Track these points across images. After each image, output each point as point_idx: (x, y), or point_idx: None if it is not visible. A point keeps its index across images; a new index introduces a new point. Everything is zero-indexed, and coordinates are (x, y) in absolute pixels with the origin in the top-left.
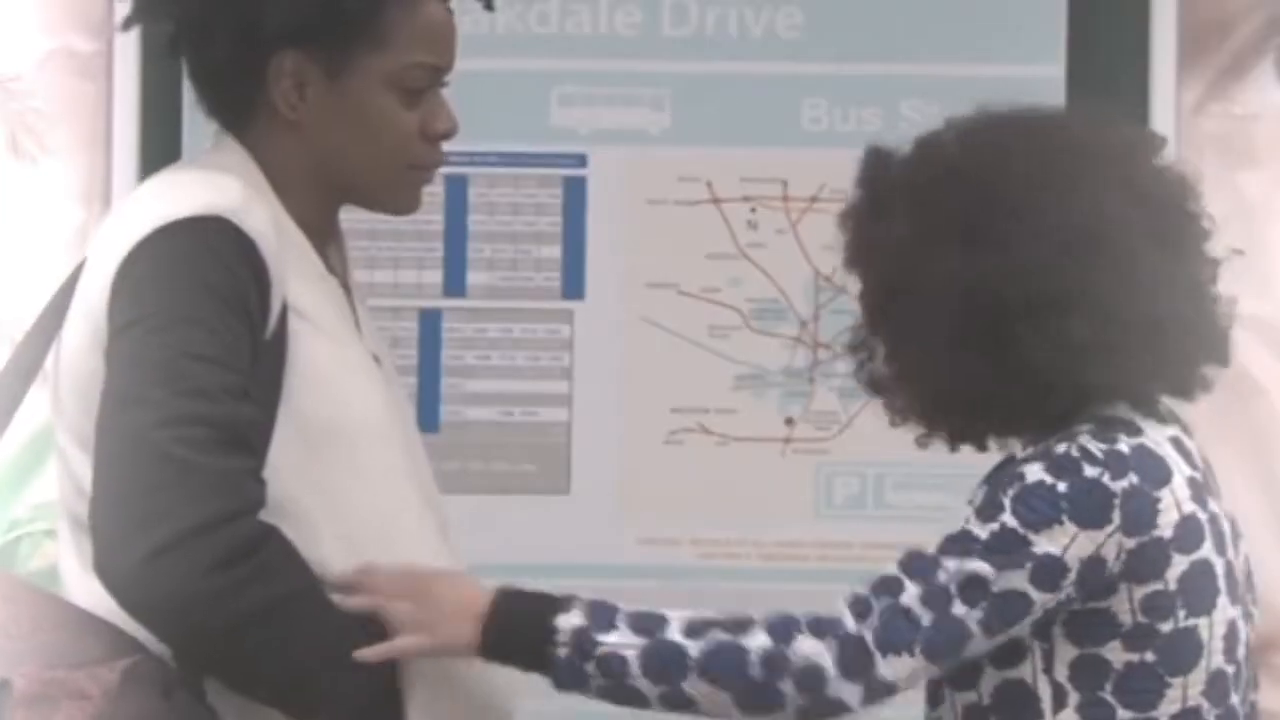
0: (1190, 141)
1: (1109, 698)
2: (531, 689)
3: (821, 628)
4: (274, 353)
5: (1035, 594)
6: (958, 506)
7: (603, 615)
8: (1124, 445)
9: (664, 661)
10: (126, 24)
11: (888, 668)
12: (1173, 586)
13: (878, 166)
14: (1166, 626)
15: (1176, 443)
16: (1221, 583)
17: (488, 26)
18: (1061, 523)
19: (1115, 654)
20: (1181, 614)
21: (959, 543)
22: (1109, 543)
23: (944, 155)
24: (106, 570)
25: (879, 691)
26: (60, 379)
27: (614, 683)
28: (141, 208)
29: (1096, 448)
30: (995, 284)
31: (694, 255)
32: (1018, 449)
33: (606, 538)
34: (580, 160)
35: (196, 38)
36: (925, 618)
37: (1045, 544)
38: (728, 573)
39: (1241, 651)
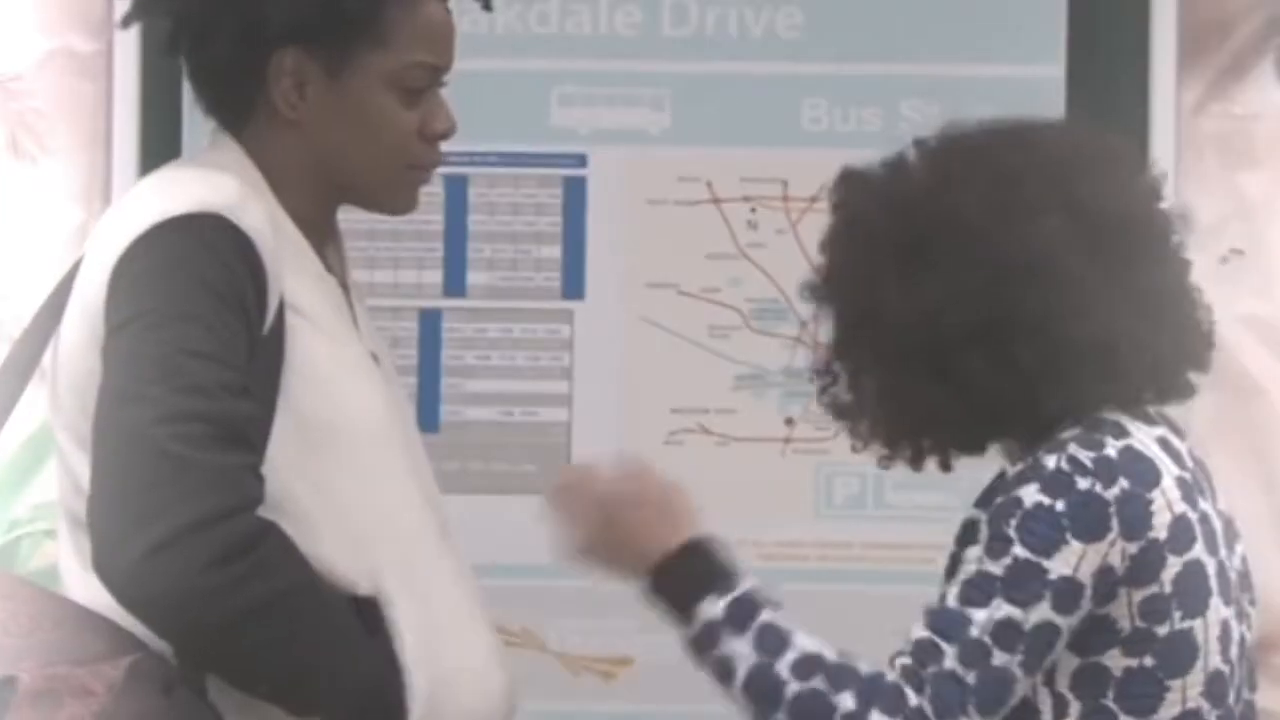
0: (1190, 141)
1: (1111, 704)
2: (531, 689)
3: (891, 704)
4: (271, 350)
5: (1060, 620)
6: (957, 506)
7: (740, 616)
8: (1111, 450)
9: (764, 689)
10: (126, 21)
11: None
12: (1168, 589)
13: (847, 190)
14: (1163, 629)
15: (1164, 443)
16: (1213, 583)
17: (487, 26)
18: (1067, 541)
19: (1115, 660)
20: (1177, 616)
21: (979, 589)
22: (1113, 551)
23: (901, 180)
24: (105, 567)
25: None
26: (58, 377)
27: (719, 678)
28: (138, 205)
29: (1085, 456)
30: (938, 312)
31: (694, 255)
32: (1006, 464)
33: None
34: (580, 160)
35: (197, 35)
36: (970, 677)
37: (1059, 567)
38: None
39: (1235, 651)
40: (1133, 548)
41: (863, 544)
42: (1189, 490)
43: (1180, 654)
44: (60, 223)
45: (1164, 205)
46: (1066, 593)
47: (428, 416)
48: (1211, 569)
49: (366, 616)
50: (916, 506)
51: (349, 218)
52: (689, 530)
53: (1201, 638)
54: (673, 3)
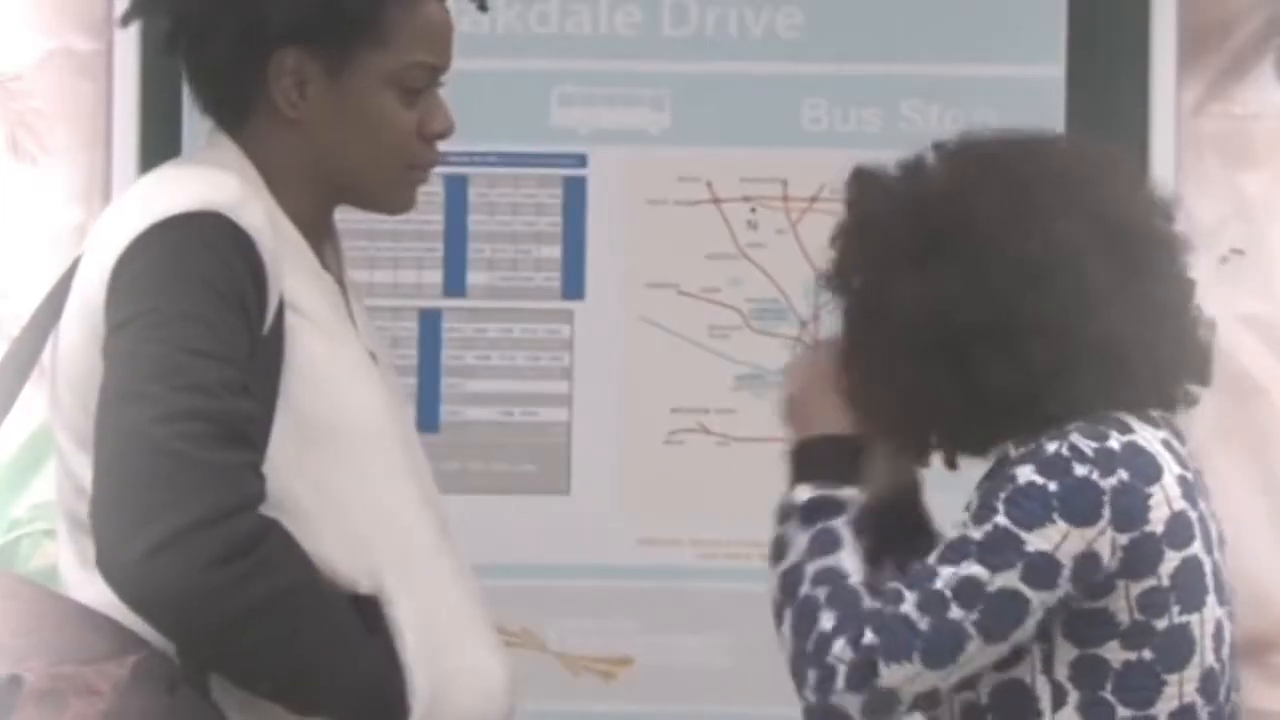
0: (1190, 141)
1: (1108, 696)
2: (531, 689)
3: (853, 635)
4: (271, 349)
5: (1030, 593)
6: (957, 507)
7: (813, 512)
8: (1114, 442)
9: (790, 582)
10: (125, 20)
11: (890, 676)
12: (1166, 582)
13: (861, 188)
14: (1162, 623)
15: (1167, 445)
16: (1210, 581)
17: (488, 26)
18: (1053, 520)
19: (1114, 653)
20: (1175, 610)
21: (955, 549)
22: (1101, 539)
23: (918, 182)
24: (108, 566)
25: (880, 703)
26: (57, 375)
27: (771, 555)
28: (138, 204)
29: (1087, 445)
30: (951, 308)
31: (694, 255)
32: (1010, 450)
33: (606, 538)
34: (580, 160)
35: (197, 35)
36: (923, 623)
37: (1038, 542)
38: (728, 573)
39: (1226, 651)
40: (1124, 539)
41: None
42: (1190, 489)
43: (1178, 648)
44: (60, 223)
45: (1173, 223)
46: (1041, 568)
47: (428, 416)
48: (1208, 568)
49: (367, 615)
50: None
51: (349, 218)
52: (843, 427)
53: (1198, 633)
54: (673, 3)
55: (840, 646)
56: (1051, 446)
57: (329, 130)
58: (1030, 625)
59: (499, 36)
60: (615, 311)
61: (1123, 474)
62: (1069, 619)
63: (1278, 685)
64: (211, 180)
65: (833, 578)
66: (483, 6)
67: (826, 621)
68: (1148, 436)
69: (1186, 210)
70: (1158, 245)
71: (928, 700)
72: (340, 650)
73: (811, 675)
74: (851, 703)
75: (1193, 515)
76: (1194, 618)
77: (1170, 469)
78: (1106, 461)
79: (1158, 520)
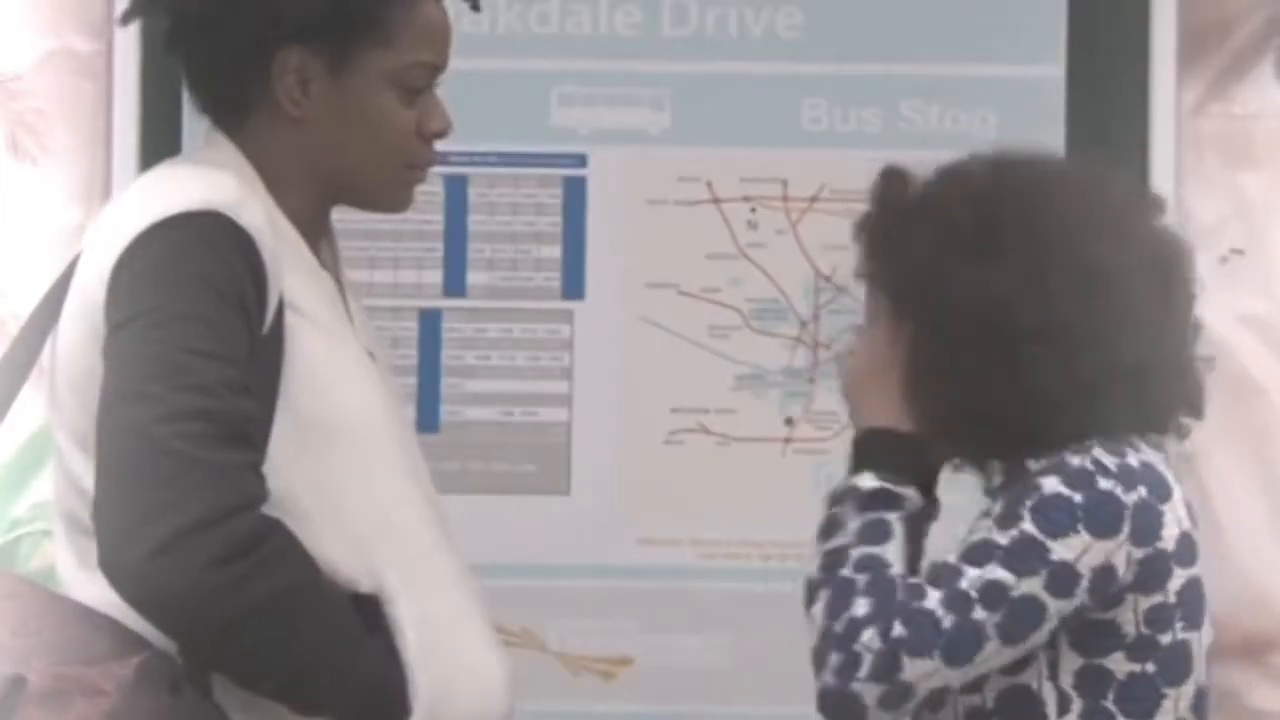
0: (1190, 141)
1: (1110, 706)
2: (531, 689)
3: (883, 625)
4: (271, 349)
5: (1050, 601)
6: (956, 506)
7: (871, 501)
8: (1133, 459)
9: (833, 562)
10: (126, 18)
11: (911, 671)
12: (1172, 599)
13: (897, 185)
14: (1166, 638)
15: (1166, 465)
16: (1206, 602)
17: (488, 26)
18: (1077, 531)
19: (1118, 664)
20: (1179, 626)
21: (979, 551)
22: (1119, 553)
23: (974, 181)
24: (111, 566)
25: (896, 696)
26: (57, 375)
27: (821, 532)
28: (137, 203)
29: (1110, 461)
30: (1011, 304)
31: (694, 255)
32: (1030, 463)
33: (607, 538)
34: (580, 160)
35: (201, 32)
36: (946, 620)
37: (1061, 551)
38: (728, 573)
39: (1206, 673)
40: (1139, 554)
41: None
42: (1190, 511)
43: (1179, 664)
44: (60, 223)
45: (1190, 261)
46: (1062, 577)
47: (428, 416)
48: (1205, 589)
49: (367, 614)
50: None
51: (350, 217)
52: (901, 419)
53: (1195, 651)
54: (673, 3)
55: (870, 635)
56: (1076, 460)
57: (330, 129)
58: (1045, 632)
59: (499, 36)
60: (615, 311)
61: (1142, 490)
62: (1078, 629)
63: (1278, 685)
64: (210, 180)
65: (875, 565)
66: (475, 6)
67: (860, 607)
68: (1156, 458)
69: (1186, 210)
70: (1181, 280)
71: (933, 701)
72: (342, 650)
73: (834, 658)
74: (870, 692)
75: (1195, 536)
76: (1194, 635)
77: (1177, 490)
78: (1128, 477)
79: (1169, 538)
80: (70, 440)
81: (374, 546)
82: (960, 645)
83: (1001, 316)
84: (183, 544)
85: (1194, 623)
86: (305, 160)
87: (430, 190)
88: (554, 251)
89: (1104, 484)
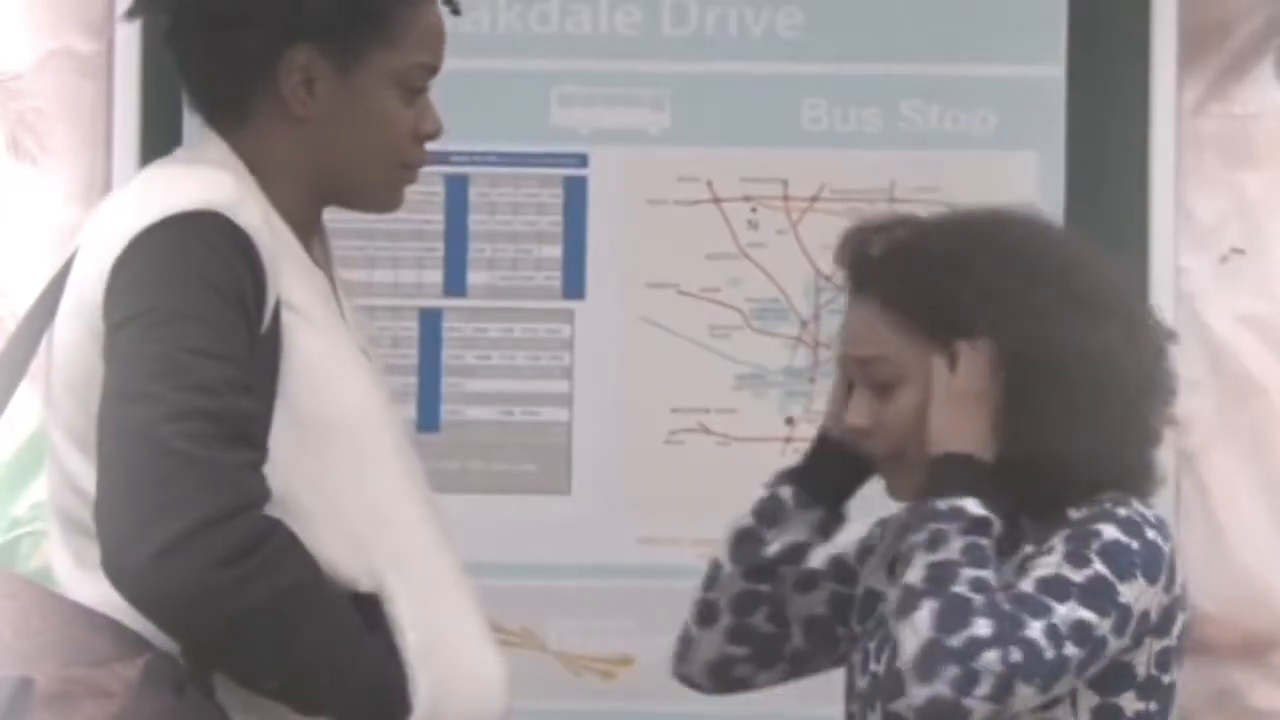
0: (1190, 141)
1: None
2: (531, 689)
3: (1003, 647)
4: (269, 348)
5: (1112, 641)
6: None
7: (975, 527)
8: (1155, 512)
9: (942, 575)
10: (131, 14)
11: (1020, 696)
12: (1174, 642)
13: (991, 222)
14: (1167, 678)
15: None
16: None
17: (488, 26)
18: (1136, 577)
19: (1129, 702)
20: (1175, 669)
21: (1057, 586)
22: (1157, 599)
23: (1066, 241)
24: (115, 568)
25: (998, 715)
26: (53, 375)
27: (927, 544)
28: (134, 203)
29: (1148, 513)
30: (1119, 357)
31: (694, 255)
32: (1070, 511)
33: (607, 537)
34: (581, 160)
35: (207, 29)
36: (1049, 652)
37: (1127, 593)
38: None
39: None
40: (1165, 600)
41: None
42: None
43: (1172, 702)
44: (60, 222)
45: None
46: (1123, 619)
47: (428, 416)
48: (1200, 594)
49: (367, 613)
50: None
51: (351, 217)
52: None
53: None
54: (673, 3)
55: (992, 657)
56: (1122, 510)
57: (334, 128)
58: (1097, 667)
59: (499, 36)
60: (615, 311)
61: (1169, 541)
62: (1101, 668)
63: (1278, 684)
64: (208, 179)
65: (987, 589)
66: (455, 10)
67: (983, 628)
68: None
69: (1187, 210)
70: (1168, 372)
71: None
72: (343, 649)
73: (952, 671)
74: (981, 710)
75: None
76: (1179, 675)
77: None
78: (1162, 529)
79: (1177, 585)
80: (67, 439)
81: (373, 545)
82: (1054, 677)
83: (1108, 368)
84: (186, 545)
85: (1181, 663)
86: (306, 159)
87: (431, 190)
88: (554, 251)
89: (1149, 533)
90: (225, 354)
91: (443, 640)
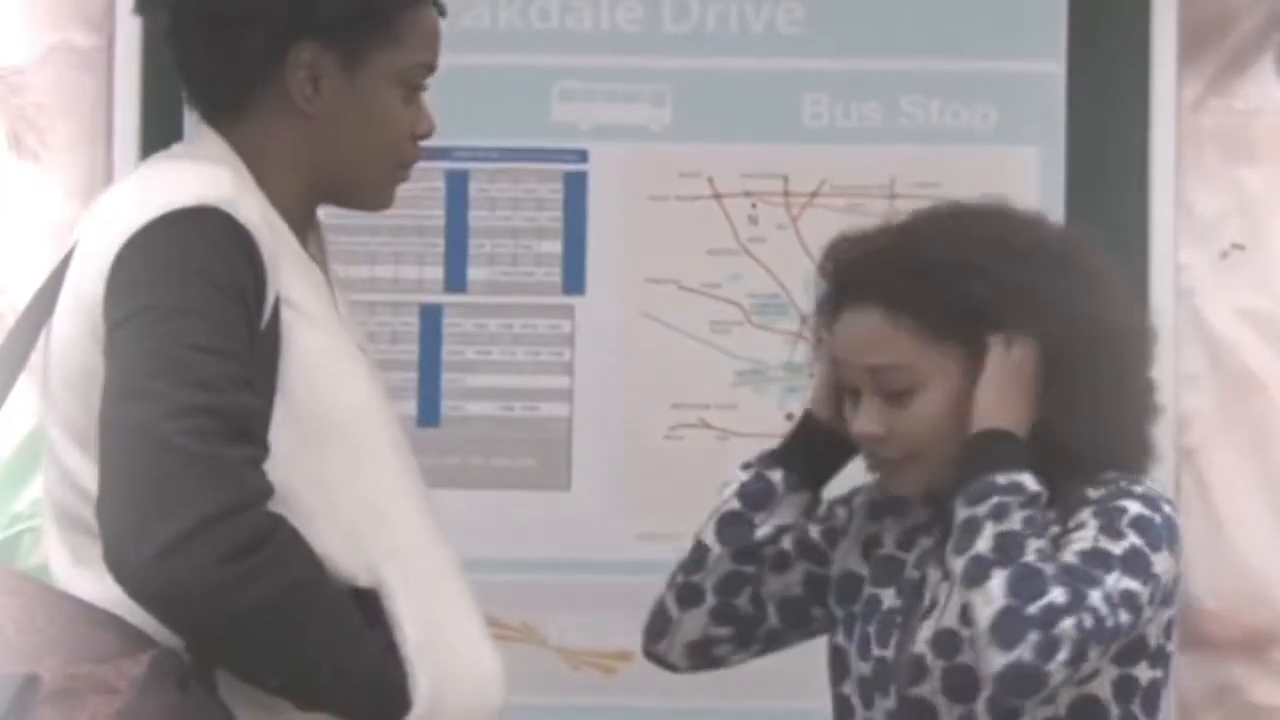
0: (1191, 137)
1: (1136, 711)
2: (531, 684)
3: (1077, 611)
4: (269, 344)
5: (1147, 610)
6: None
7: (1030, 501)
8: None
9: (1009, 545)
10: (138, 8)
11: (1091, 659)
12: (1175, 612)
13: (1018, 220)
14: (1170, 646)
15: None
16: None
17: (489, 22)
18: (1163, 548)
19: (1142, 671)
20: (1175, 637)
21: (1098, 558)
22: (1172, 570)
23: (1085, 241)
24: (118, 565)
25: (1071, 679)
26: (51, 371)
27: (992, 515)
28: (134, 199)
29: (1160, 490)
30: (1136, 335)
31: (695, 251)
32: (1085, 489)
33: (607, 533)
34: (581, 156)
35: (212, 27)
36: (1109, 620)
37: (1158, 564)
38: None
39: None
40: (1176, 572)
41: None
42: None
43: (1172, 669)
44: (61, 218)
45: None
46: (1157, 589)
47: (428, 411)
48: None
49: (366, 609)
50: None
51: (352, 213)
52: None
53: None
54: None
55: (1070, 624)
56: (1138, 488)
57: (337, 125)
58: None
59: (500, 32)
60: (616, 307)
61: (1177, 514)
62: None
63: (1278, 680)
64: (207, 176)
65: (1052, 558)
66: (441, 12)
67: (1059, 596)
68: None
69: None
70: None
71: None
72: (344, 645)
73: (1034, 636)
74: (1060, 674)
75: None
76: (1176, 671)
77: None
78: (1172, 504)
79: (1181, 558)
80: (65, 436)
81: (370, 540)
82: (1113, 642)
83: (1127, 347)
84: (190, 542)
85: (1174, 634)
86: (306, 156)
87: (431, 185)
88: (555, 247)
89: (1166, 508)
90: (226, 350)
91: (441, 636)
